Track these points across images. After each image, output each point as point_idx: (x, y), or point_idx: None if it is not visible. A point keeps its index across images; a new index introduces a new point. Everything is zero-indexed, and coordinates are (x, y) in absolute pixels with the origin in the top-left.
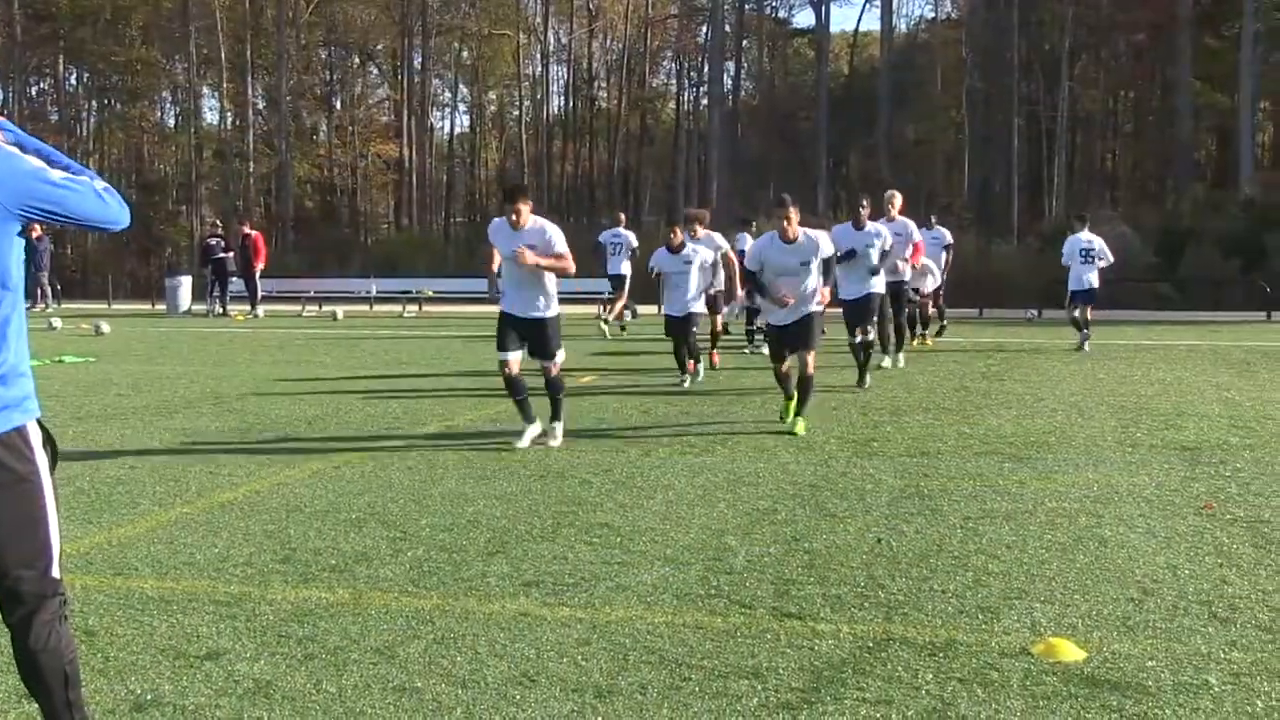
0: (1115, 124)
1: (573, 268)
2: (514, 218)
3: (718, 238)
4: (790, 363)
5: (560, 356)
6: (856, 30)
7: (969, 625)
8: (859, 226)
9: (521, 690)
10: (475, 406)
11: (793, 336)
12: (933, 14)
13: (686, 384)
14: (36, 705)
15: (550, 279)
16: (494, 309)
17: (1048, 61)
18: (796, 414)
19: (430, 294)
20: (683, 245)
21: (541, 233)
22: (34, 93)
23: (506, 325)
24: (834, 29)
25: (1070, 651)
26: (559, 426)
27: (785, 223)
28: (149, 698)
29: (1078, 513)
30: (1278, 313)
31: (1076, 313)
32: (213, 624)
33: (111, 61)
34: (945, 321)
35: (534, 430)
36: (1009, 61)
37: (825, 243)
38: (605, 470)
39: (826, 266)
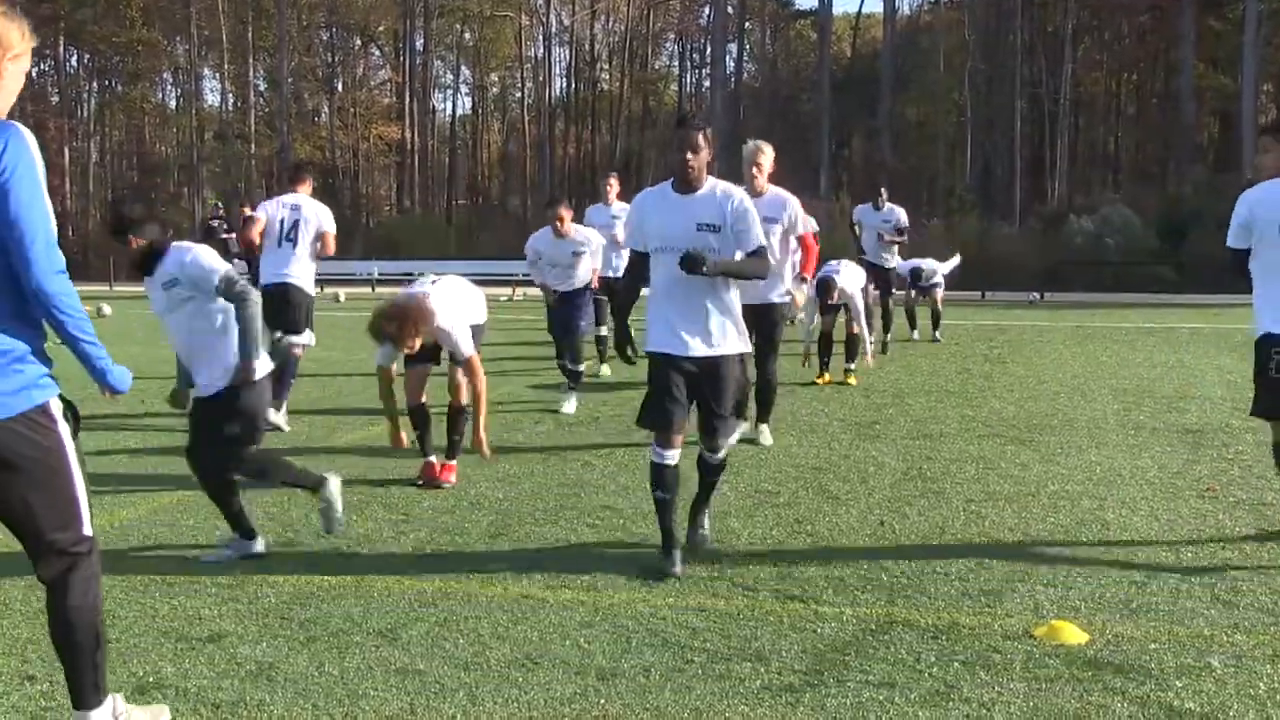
0: (1118, 106)
1: None
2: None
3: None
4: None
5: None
6: (859, 13)
7: (972, 608)
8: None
9: (524, 673)
10: None
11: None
12: None
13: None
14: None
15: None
16: (495, 291)
17: (1050, 44)
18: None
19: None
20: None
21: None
22: (34, 74)
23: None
24: (836, 11)
25: (1073, 634)
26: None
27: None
28: (151, 680)
29: (1080, 495)
30: None
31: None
32: (215, 606)
33: (112, 43)
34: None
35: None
36: (1011, 44)
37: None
38: (607, 453)
39: None
